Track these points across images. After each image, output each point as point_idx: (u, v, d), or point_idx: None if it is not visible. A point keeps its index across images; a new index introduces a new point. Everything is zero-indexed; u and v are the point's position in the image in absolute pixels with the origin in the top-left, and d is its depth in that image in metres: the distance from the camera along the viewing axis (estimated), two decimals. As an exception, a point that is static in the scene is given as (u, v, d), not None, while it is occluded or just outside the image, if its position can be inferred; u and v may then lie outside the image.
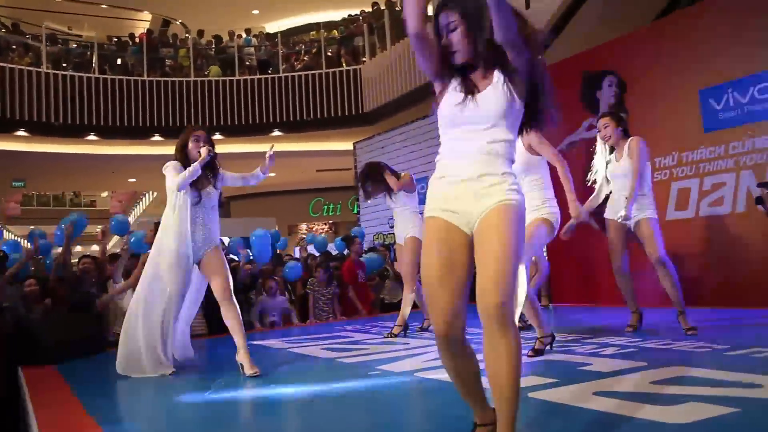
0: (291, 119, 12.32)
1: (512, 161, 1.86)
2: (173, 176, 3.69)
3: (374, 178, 5.00)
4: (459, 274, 1.78)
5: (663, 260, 3.99)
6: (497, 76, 1.84)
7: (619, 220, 4.15)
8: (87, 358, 4.93)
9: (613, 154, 4.28)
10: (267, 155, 4.14)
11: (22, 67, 11.28)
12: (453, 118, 1.85)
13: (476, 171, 1.80)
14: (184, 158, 3.80)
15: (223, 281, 3.67)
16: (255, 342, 5.18)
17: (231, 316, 3.64)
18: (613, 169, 4.25)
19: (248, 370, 3.50)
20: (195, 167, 3.67)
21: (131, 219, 23.33)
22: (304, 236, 15.39)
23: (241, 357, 3.57)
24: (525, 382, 2.85)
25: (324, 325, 6.15)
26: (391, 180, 4.90)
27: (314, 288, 6.54)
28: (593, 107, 6.84)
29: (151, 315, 3.74)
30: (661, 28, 6.54)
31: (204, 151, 3.72)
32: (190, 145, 3.82)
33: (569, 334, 4.21)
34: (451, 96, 1.86)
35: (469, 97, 1.82)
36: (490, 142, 1.80)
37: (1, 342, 4.83)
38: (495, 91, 1.82)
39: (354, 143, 11.40)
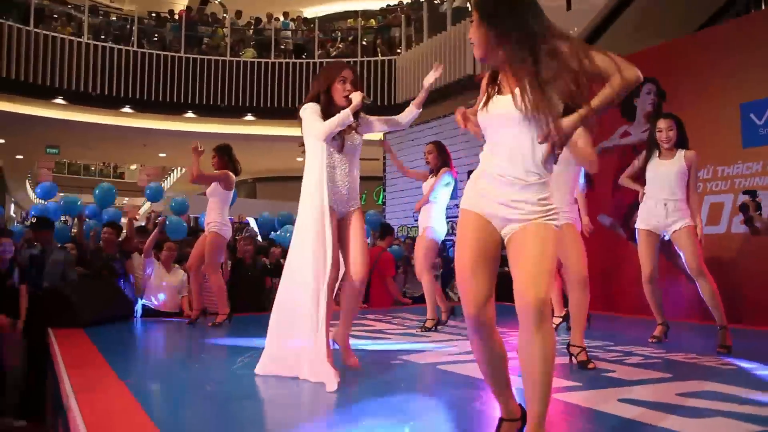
0: (323, 105, 12.38)
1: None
2: (316, 122, 3.09)
3: (442, 155, 5.04)
4: (490, 266, 1.85)
5: (704, 271, 3.92)
6: None
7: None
8: (114, 324, 5.06)
9: (654, 156, 4.17)
10: (427, 82, 3.47)
11: (64, 36, 11.48)
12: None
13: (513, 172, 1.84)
14: (328, 101, 3.17)
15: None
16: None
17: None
18: (654, 172, 4.13)
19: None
20: (346, 114, 3.07)
21: (158, 193, 23.64)
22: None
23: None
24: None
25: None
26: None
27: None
28: (630, 114, 6.78)
29: (304, 295, 2.96)
30: (704, 39, 6.45)
31: (357, 97, 3.10)
32: (336, 85, 3.16)
33: (592, 340, 4.21)
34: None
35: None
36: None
37: (35, 303, 4.98)
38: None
39: (384, 134, 11.41)
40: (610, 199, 6.68)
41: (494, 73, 1.91)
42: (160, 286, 5.80)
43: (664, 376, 2.99)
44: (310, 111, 3.16)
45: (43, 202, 8.51)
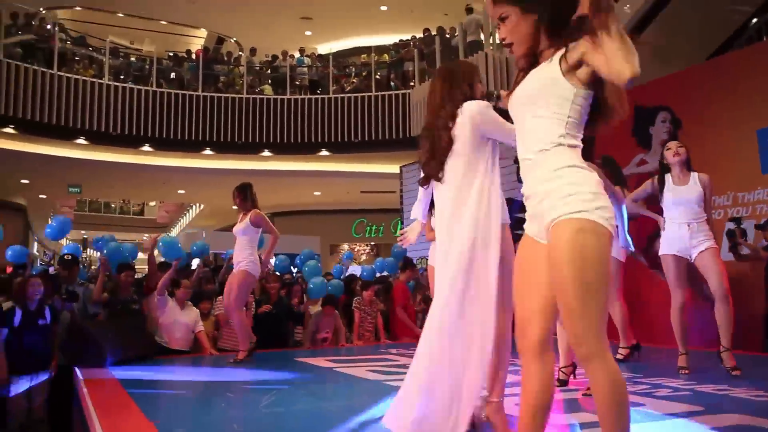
0: (339, 140, 12.52)
1: None
2: (507, 123, 2.39)
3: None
4: (540, 290, 1.77)
5: (728, 295, 3.87)
6: None
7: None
8: (137, 362, 5.09)
9: (667, 181, 4.20)
10: None
11: (86, 78, 11.78)
12: None
13: None
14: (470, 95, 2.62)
15: None
16: (301, 359, 5.29)
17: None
18: (674, 196, 4.14)
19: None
20: None
21: (177, 229, 23.93)
22: (342, 252, 15.53)
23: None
24: (577, 418, 2.86)
25: (369, 347, 6.22)
26: None
27: (361, 307, 6.62)
28: (645, 142, 6.80)
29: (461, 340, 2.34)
30: (717, 66, 6.49)
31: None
32: (478, 85, 2.66)
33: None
34: None
35: None
36: None
37: (61, 342, 5.04)
38: None
39: (401, 167, 11.51)
40: (630, 228, 6.65)
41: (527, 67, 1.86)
42: (173, 323, 5.79)
43: (696, 409, 2.95)
44: (486, 107, 2.54)
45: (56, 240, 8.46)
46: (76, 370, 4.52)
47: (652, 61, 8.91)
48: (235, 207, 5.37)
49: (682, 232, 4.07)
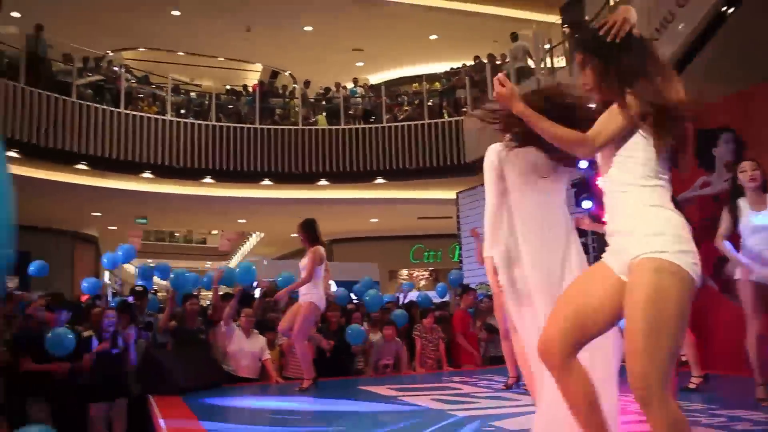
0: (394, 167, 12.66)
1: None
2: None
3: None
4: (580, 312, 1.82)
5: None
6: None
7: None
8: (207, 390, 5.26)
9: (742, 205, 4.06)
10: None
11: (150, 115, 12.34)
12: None
13: None
14: None
15: None
16: (364, 387, 5.35)
17: None
18: (754, 223, 4.00)
19: None
20: None
21: (239, 257, 24.50)
22: (401, 281, 15.57)
23: None
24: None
25: (431, 375, 6.23)
26: None
27: (422, 334, 6.65)
28: (708, 165, 6.65)
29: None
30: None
31: None
32: None
33: (691, 403, 4.06)
34: None
35: None
36: None
37: (137, 370, 5.26)
38: None
39: (457, 193, 11.55)
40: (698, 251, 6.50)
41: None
42: (239, 351, 5.94)
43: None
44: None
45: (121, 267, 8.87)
46: (151, 398, 4.71)
47: (712, 81, 8.75)
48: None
49: (765, 256, 3.94)
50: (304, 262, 5.32)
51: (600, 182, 1.98)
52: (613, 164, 1.89)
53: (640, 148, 1.83)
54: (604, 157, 1.94)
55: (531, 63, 11.49)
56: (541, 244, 2.57)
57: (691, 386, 4.47)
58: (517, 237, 2.63)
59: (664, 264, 1.69)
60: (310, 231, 5.41)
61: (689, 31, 8.11)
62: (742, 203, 4.08)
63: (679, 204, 2.11)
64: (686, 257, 1.72)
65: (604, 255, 1.92)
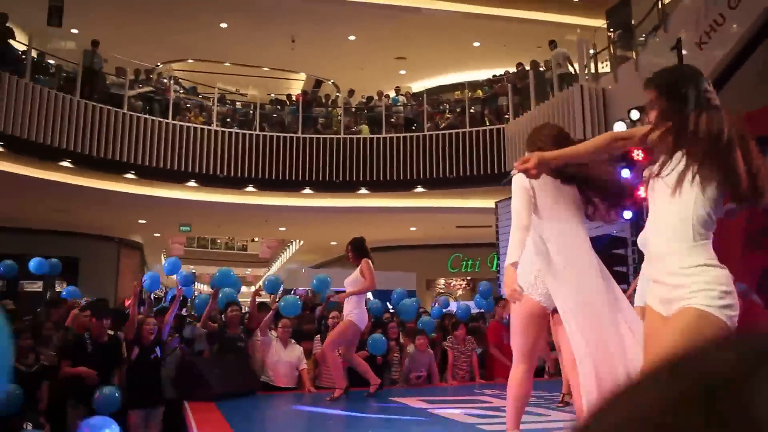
0: (434, 176, 12.64)
1: None
2: None
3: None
4: None
5: None
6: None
7: None
8: (241, 398, 5.34)
9: None
10: None
11: (197, 125, 12.66)
12: None
13: None
14: None
15: None
16: (395, 398, 5.34)
17: None
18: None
19: None
20: None
21: (278, 264, 24.85)
22: (441, 292, 15.49)
23: None
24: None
25: (463, 387, 6.16)
26: None
27: (454, 345, 6.59)
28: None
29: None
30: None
31: None
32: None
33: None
34: None
35: None
36: None
37: (171, 377, 5.38)
38: None
39: (496, 202, 11.44)
40: (740, 263, 6.26)
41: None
42: (277, 361, 6.00)
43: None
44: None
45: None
46: (186, 404, 4.81)
47: (764, 85, 8.46)
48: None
49: None
50: (354, 276, 5.43)
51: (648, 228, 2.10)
52: (665, 215, 1.98)
53: (700, 206, 1.93)
54: (657, 203, 2.03)
55: (571, 69, 11.32)
56: (579, 269, 2.73)
57: None
58: (549, 258, 2.76)
59: (707, 315, 1.85)
60: (359, 250, 5.55)
61: (743, 31, 7.89)
62: None
63: None
64: (728, 311, 1.86)
65: (650, 300, 2.06)
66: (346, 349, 5.49)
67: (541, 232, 2.82)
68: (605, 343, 2.60)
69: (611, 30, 11.51)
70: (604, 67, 10.99)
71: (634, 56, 9.98)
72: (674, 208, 1.95)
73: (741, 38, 7.96)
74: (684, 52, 8.77)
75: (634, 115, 8.17)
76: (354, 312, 5.36)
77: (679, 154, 1.96)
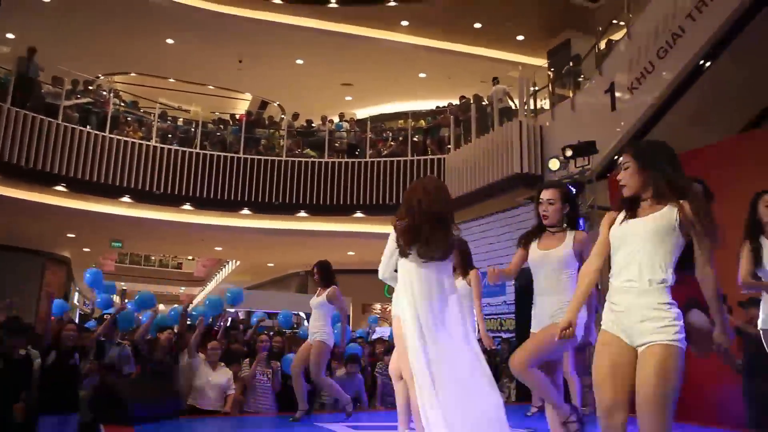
0: (374, 202, 12.70)
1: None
2: None
3: (463, 256, 4.84)
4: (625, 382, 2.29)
5: None
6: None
7: None
8: (163, 421, 5.15)
9: (765, 245, 3.61)
10: None
11: (135, 140, 12.34)
12: None
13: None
14: None
15: None
16: (319, 424, 5.26)
17: None
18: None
19: None
20: None
21: (213, 284, 24.30)
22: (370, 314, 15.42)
23: None
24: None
25: (392, 413, 6.12)
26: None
27: (383, 372, 6.57)
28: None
29: None
30: (749, 140, 6.47)
31: None
32: None
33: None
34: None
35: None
36: None
37: (89, 400, 5.15)
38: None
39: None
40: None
41: (631, 203, 2.44)
42: (205, 384, 5.86)
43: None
44: None
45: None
46: (101, 427, 4.60)
47: (687, 131, 8.93)
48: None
49: None
50: (321, 299, 5.43)
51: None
52: (643, 256, 2.33)
53: (672, 251, 2.32)
54: (631, 246, 2.40)
55: (511, 104, 11.67)
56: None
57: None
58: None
59: (672, 350, 2.21)
60: (325, 271, 5.57)
61: (672, 78, 8.34)
62: (764, 241, 3.67)
63: None
64: (683, 338, 2.25)
65: (607, 325, 2.38)
66: (301, 365, 5.46)
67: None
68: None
69: (551, 69, 11.96)
70: (543, 104, 11.38)
71: (571, 96, 10.39)
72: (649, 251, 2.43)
73: (669, 84, 8.42)
74: (617, 94, 9.21)
75: (568, 152, 8.46)
76: (321, 332, 5.36)
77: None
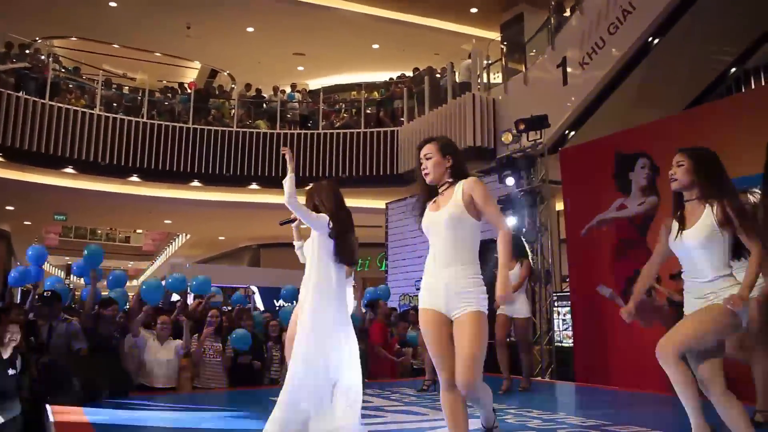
0: (327, 174, 12.58)
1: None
2: None
3: None
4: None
5: None
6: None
7: None
8: (111, 400, 5.04)
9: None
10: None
11: (77, 108, 11.84)
12: None
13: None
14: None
15: None
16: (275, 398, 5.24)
17: None
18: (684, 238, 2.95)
19: None
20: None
21: (163, 258, 23.82)
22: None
23: None
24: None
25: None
26: None
27: None
28: (625, 188, 6.90)
29: None
30: (693, 116, 6.65)
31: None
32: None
33: (587, 419, 4.16)
34: None
35: None
36: None
37: (33, 379, 4.98)
38: None
39: (387, 203, 11.58)
40: (608, 270, 6.74)
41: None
42: (153, 361, 5.75)
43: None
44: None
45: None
46: (47, 408, 4.47)
47: (635, 107, 9.15)
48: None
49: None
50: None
51: None
52: None
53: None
54: None
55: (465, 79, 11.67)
56: None
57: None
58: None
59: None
60: None
61: (620, 55, 8.49)
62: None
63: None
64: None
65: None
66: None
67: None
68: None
69: (504, 43, 12.00)
70: (496, 78, 11.43)
71: (524, 70, 10.46)
72: None
73: (619, 60, 8.57)
74: (569, 69, 9.33)
75: (521, 126, 8.53)
76: None
77: None
